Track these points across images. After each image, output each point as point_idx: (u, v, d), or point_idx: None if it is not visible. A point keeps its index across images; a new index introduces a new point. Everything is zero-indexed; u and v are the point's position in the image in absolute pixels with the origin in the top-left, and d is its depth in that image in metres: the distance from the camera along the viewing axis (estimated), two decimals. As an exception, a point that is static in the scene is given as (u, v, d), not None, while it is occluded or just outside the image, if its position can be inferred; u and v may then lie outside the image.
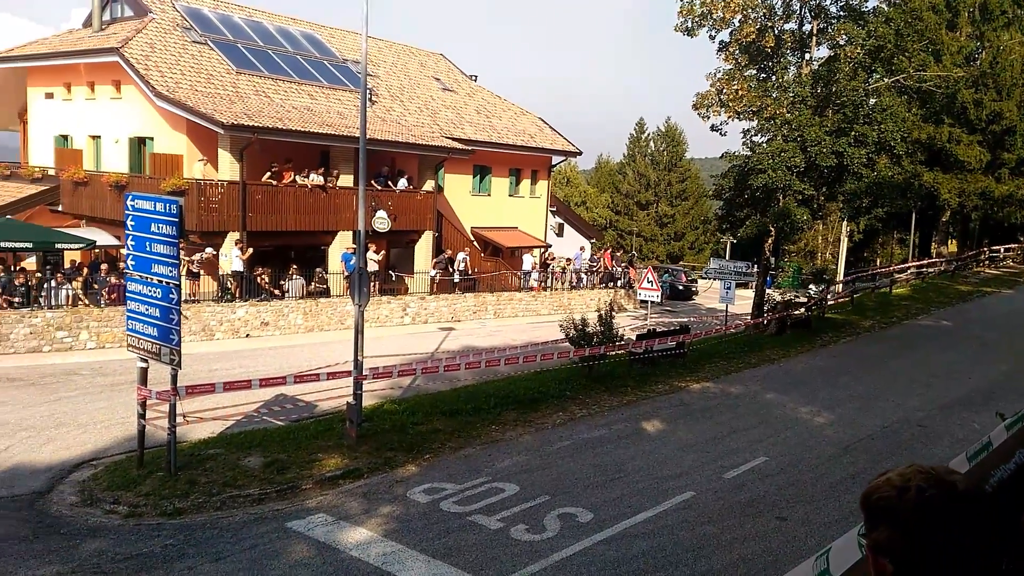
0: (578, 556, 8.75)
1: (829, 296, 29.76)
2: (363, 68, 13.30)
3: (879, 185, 25.56)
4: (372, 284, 20.46)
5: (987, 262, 44.05)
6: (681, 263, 53.68)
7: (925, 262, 40.07)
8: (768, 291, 27.81)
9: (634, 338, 18.53)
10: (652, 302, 25.31)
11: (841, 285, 33.42)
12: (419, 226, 28.31)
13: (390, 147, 26.71)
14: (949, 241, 48.40)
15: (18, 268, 19.86)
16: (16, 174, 27.27)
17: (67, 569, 8.31)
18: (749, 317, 26.48)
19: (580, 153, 37.59)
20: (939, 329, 26.02)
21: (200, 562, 8.48)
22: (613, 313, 18.40)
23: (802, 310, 25.32)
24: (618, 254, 37.09)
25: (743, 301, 30.12)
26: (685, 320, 27.85)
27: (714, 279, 28.29)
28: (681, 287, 39.00)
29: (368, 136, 13.72)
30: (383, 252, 26.84)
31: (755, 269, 28.87)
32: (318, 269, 24.57)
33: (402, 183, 27.79)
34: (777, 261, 39.90)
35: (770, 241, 25.01)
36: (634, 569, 8.45)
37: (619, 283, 33.41)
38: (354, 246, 24.04)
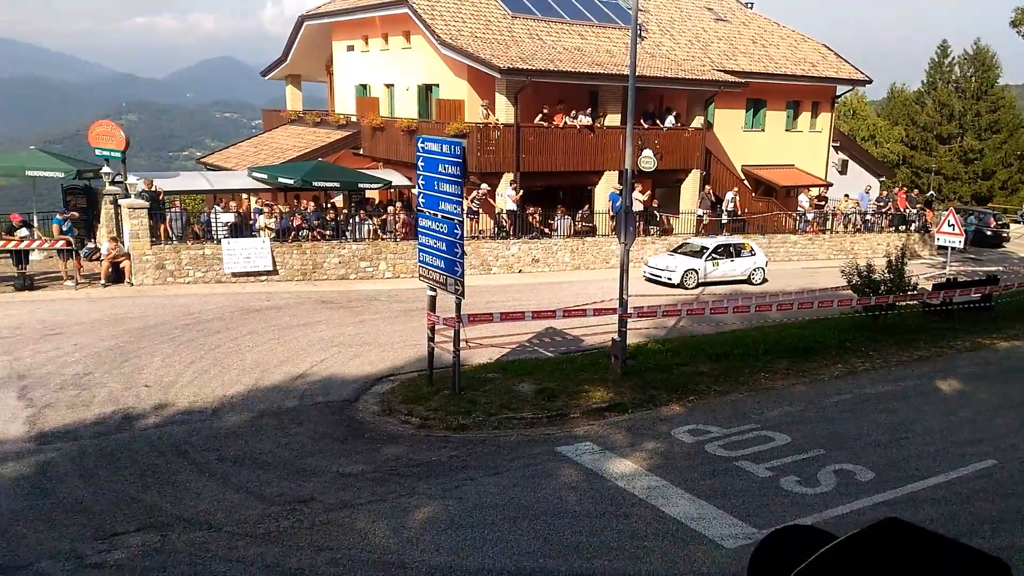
0: (855, 515, 8.27)
1: None
2: (634, 4, 13.06)
3: None
4: (637, 224, 20.57)
5: None
6: (989, 205, 47.13)
7: None
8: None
9: (929, 288, 16.74)
10: (952, 248, 22.60)
11: None
12: (686, 165, 27.63)
13: (658, 84, 26.18)
14: None
15: (329, 205, 22.50)
16: (325, 121, 30.71)
17: (370, 468, 9.50)
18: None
19: (869, 81, 34.05)
20: None
21: (480, 474, 9.26)
22: (905, 259, 16.73)
23: None
24: (912, 194, 33.39)
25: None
26: (992, 270, 24.57)
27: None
28: (988, 232, 34.28)
29: (637, 74, 13.52)
30: (648, 192, 26.62)
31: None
32: (584, 208, 25.03)
33: (669, 120, 27.21)
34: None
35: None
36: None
37: (912, 227, 30.18)
38: (620, 186, 24.13)
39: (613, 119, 26.07)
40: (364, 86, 30.47)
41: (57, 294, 17.64)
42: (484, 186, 23.18)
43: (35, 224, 20.35)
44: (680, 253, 22.54)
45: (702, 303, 16.61)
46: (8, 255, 18.38)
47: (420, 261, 12.22)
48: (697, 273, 21.53)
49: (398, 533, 7.87)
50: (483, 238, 23.04)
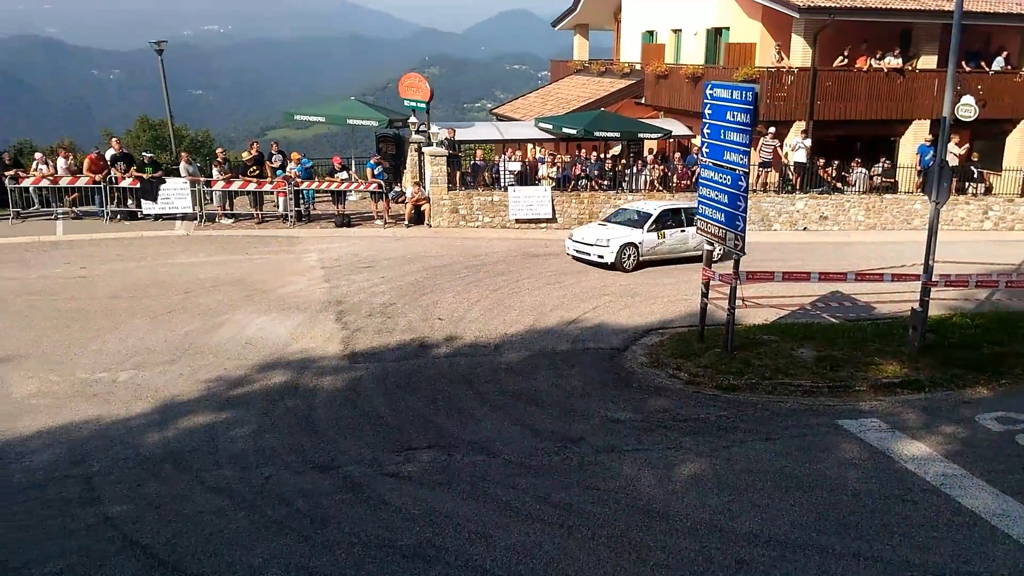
0: None
1: None
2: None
3: None
4: (952, 181, 18.14)
5: None
6: None
7: None
8: None
9: None
10: None
11: None
12: (1014, 114, 23.92)
13: (987, 20, 22.78)
14: None
15: (608, 155, 22.74)
16: (609, 70, 30.88)
17: (637, 418, 9.66)
18: None
19: None
20: None
21: (751, 438, 9.02)
22: None
23: None
24: None
25: None
26: None
27: None
28: None
29: (963, 9, 11.84)
30: (966, 145, 23.45)
31: None
32: (884, 161, 22.72)
33: (998, 63, 23.59)
34: None
35: None
36: None
37: None
38: (931, 137, 21.56)
39: (927, 61, 23.26)
40: (650, 32, 30.05)
41: (368, 232, 19.87)
42: (771, 130, 21.91)
43: (352, 168, 22.94)
44: (615, 223, 17.76)
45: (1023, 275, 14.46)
46: (329, 195, 21.00)
47: (699, 214, 11.95)
48: (638, 249, 16.92)
49: (663, 484, 7.95)
50: (766, 192, 21.92)
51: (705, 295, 12.12)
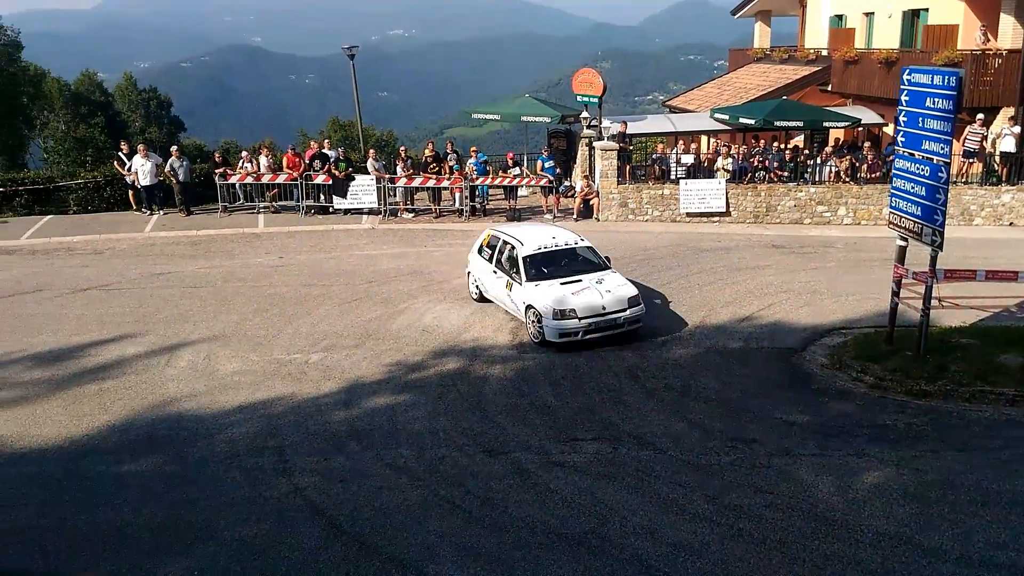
0: None
1: None
2: None
3: None
4: None
5: None
6: None
7: None
8: None
9: None
10: None
11: None
12: None
13: None
14: None
15: (790, 146, 21.70)
16: (793, 57, 29.39)
17: (815, 421, 9.20)
18: None
19: None
20: None
21: (944, 447, 8.35)
22: None
23: None
24: None
25: None
26: None
27: None
28: None
29: None
30: None
31: None
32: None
33: None
34: None
35: None
36: None
37: None
38: None
39: None
40: (839, 16, 28.34)
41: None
42: (980, 117, 19.98)
43: (524, 164, 23.37)
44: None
45: None
46: (502, 190, 21.52)
47: (891, 207, 11.15)
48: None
49: (843, 492, 7.54)
50: (967, 184, 20.05)
51: (896, 294, 11.29)
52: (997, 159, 20.23)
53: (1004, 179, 20.10)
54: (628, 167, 21.14)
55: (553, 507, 7.43)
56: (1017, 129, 19.95)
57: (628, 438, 8.82)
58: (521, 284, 12.15)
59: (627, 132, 21.54)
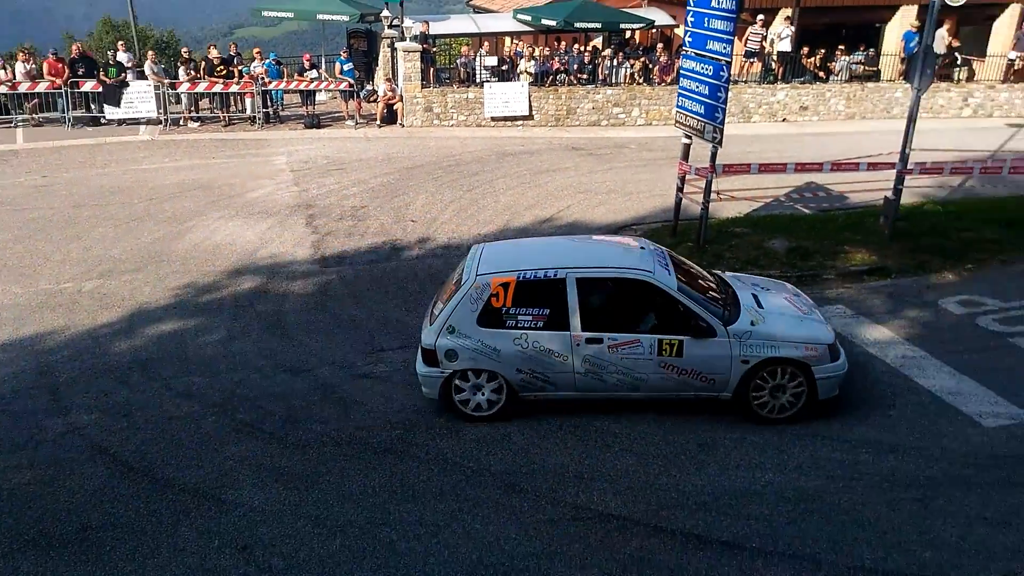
0: None
1: None
2: None
3: None
4: (937, 66, 17.64)
5: None
6: None
7: None
8: None
9: None
10: None
11: None
12: (1004, -3, 23.25)
13: None
14: None
15: (588, 48, 22.03)
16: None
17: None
18: None
19: None
20: None
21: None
22: None
23: None
24: None
25: None
26: None
27: None
28: None
29: None
30: (951, 30, 22.83)
31: None
32: (867, 49, 22.13)
33: (993, -60, 22.72)
34: None
35: None
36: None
37: None
38: (918, 23, 20.94)
39: (917, -59, 22.34)
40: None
41: (339, 133, 19.39)
42: (760, 18, 21.20)
43: (322, 67, 22.20)
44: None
45: (998, 160, 14.33)
46: (298, 95, 20.38)
47: (678, 106, 11.65)
48: None
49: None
50: (747, 83, 21.42)
51: (680, 189, 11.98)
52: (775, 59, 21.71)
53: (779, 77, 21.66)
54: (432, 70, 20.64)
55: (359, 419, 7.39)
56: (792, 29, 21.43)
57: (432, 344, 8.87)
58: None
59: (430, 33, 20.92)
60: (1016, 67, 22.51)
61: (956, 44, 22.35)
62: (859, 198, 13.84)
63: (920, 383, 7.74)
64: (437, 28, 22.27)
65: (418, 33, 20.01)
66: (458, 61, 21.29)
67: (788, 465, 6.56)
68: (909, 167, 11.60)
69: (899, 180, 11.54)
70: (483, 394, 7.28)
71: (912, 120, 11.46)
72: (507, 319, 7.10)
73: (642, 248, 7.75)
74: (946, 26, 21.02)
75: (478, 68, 20.77)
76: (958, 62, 22.29)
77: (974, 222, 12.18)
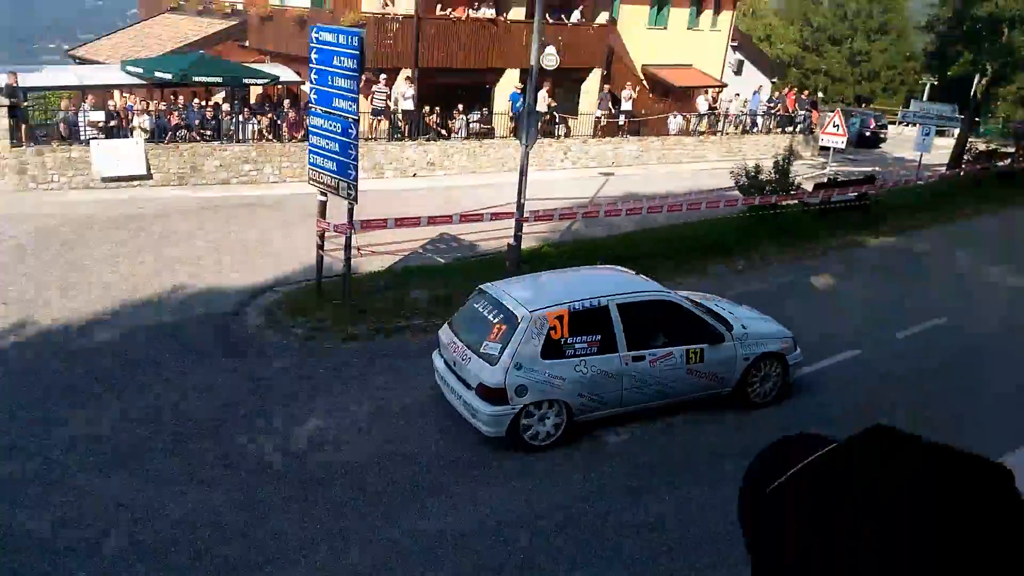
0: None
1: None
2: None
3: None
4: (540, 125, 19.99)
5: None
6: (871, 107, 48.74)
7: None
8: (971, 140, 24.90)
9: (810, 188, 17.31)
10: (835, 149, 23.32)
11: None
12: (588, 63, 27.18)
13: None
14: None
15: (210, 103, 21.10)
16: (208, 9, 28.49)
17: (254, 386, 9.23)
18: (945, 168, 24.02)
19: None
20: None
21: (370, 382, 9.17)
22: (791, 160, 17.14)
23: (1007, 161, 22.55)
24: (803, 96, 34.08)
25: (939, 152, 27.24)
26: (869, 170, 25.65)
27: (912, 123, 25.59)
28: (868, 133, 35.58)
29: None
30: (550, 92, 26.17)
31: (959, 115, 25.77)
32: (482, 108, 24.40)
33: (575, 15, 26.53)
34: (986, 106, 35.44)
35: (984, 82, 22.08)
36: (786, 425, 8.29)
37: (798, 128, 30.97)
38: (521, 85, 23.58)
39: (517, 13, 25.23)
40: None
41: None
42: (383, 77, 22.12)
43: None
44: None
45: (596, 205, 16.67)
46: None
47: (311, 164, 11.61)
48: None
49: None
50: (377, 140, 22.21)
51: (321, 247, 11.91)
52: (400, 117, 22.81)
53: (406, 135, 22.80)
54: (24, 126, 18.09)
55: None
56: (413, 90, 22.72)
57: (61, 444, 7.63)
58: None
59: (19, 85, 18.35)
60: (602, 123, 26.46)
61: (554, 104, 25.65)
62: (488, 246, 15.00)
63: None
64: (29, 80, 19.68)
65: (3, 86, 17.46)
66: (58, 116, 18.99)
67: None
68: (525, 215, 12.92)
69: (518, 227, 12.79)
70: (546, 424, 7.67)
71: (523, 173, 12.81)
72: (566, 348, 7.61)
73: (634, 273, 8.96)
74: (545, 87, 23.92)
75: (81, 124, 18.71)
76: (556, 120, 25.55)
77: (583, 260, 13.88)
